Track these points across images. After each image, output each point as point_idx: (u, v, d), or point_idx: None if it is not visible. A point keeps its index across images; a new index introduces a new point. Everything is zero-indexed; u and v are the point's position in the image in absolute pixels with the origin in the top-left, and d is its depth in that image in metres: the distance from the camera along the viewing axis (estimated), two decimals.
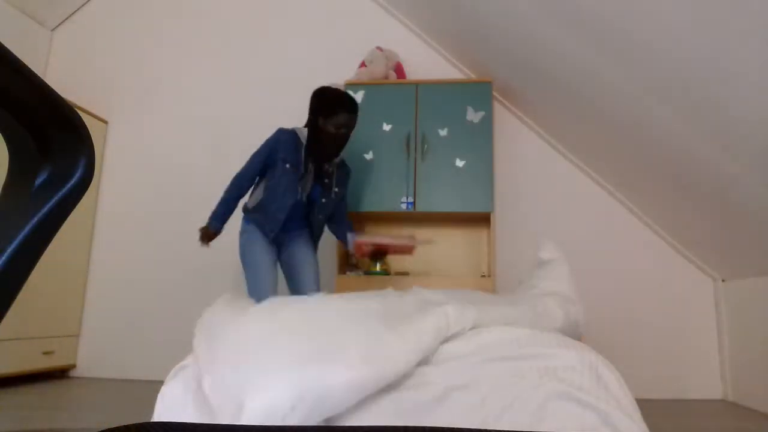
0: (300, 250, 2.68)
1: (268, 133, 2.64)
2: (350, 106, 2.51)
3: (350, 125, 2.54)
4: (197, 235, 2.58)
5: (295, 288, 2.66)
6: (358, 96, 3.32)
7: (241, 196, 2.60)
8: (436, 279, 3.12)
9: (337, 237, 2.90)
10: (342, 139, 2.54)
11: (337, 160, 2.68)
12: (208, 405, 1.18)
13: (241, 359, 1.19)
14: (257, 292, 2.39)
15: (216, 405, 1.15)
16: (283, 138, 2.57)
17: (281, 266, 2.71)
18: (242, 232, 2.61)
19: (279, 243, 2.65)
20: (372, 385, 1.14)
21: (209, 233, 2.54)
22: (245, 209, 2.66)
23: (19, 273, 0.46)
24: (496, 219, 3.33)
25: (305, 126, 2.60)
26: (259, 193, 2.60)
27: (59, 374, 3.58)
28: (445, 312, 1.38)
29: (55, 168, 0.48)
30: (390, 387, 1.20)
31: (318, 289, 2.57)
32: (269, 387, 1.09)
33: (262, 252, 2.53)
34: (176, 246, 3.69)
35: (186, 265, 3.66)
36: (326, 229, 2.84)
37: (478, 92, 3.24)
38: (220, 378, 1.18)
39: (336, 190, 2.71)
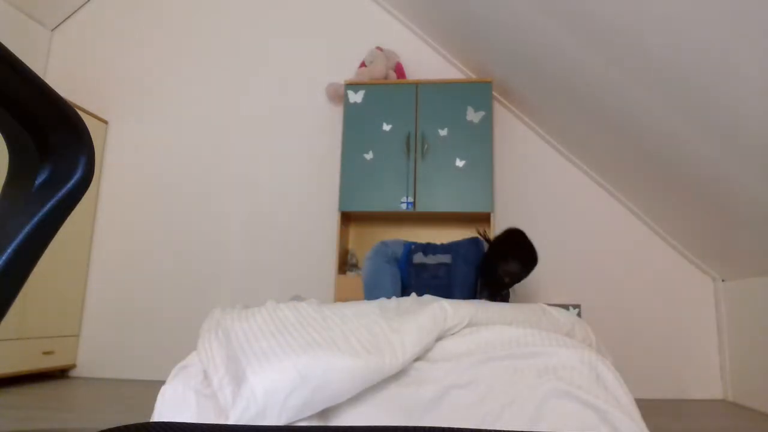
0: None
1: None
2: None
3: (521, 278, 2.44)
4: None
5: None
6: (358, 96, 3.32)
7: None
8: None
9: None
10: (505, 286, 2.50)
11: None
12: (217, 402, 1.19)
13: (246, 349, 1.20)
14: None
15: (224, 399, 1.15)
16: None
17: None
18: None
19: None
20: (373, 374, 1.15)
21: None
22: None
23: (19, 273, 0.46)
24: (496, 219, 3.33)
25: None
26: None
27: (59, 374, 3.58)
28: (442, 306, 1.40)
29: (55, 168, 0.49)
30: (391, 383, 1.20)
31: None
32: (273, 368, 1.10)
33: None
34: (176, 246, 3.69)
35: (186, 265, 3.66)
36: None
37: (478, 92, 3.24)
38: (233, 369, 1.18)
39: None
